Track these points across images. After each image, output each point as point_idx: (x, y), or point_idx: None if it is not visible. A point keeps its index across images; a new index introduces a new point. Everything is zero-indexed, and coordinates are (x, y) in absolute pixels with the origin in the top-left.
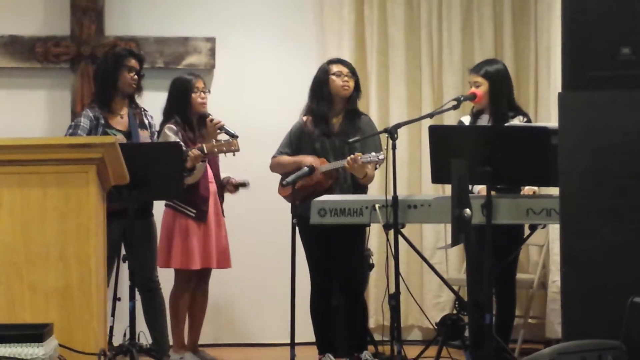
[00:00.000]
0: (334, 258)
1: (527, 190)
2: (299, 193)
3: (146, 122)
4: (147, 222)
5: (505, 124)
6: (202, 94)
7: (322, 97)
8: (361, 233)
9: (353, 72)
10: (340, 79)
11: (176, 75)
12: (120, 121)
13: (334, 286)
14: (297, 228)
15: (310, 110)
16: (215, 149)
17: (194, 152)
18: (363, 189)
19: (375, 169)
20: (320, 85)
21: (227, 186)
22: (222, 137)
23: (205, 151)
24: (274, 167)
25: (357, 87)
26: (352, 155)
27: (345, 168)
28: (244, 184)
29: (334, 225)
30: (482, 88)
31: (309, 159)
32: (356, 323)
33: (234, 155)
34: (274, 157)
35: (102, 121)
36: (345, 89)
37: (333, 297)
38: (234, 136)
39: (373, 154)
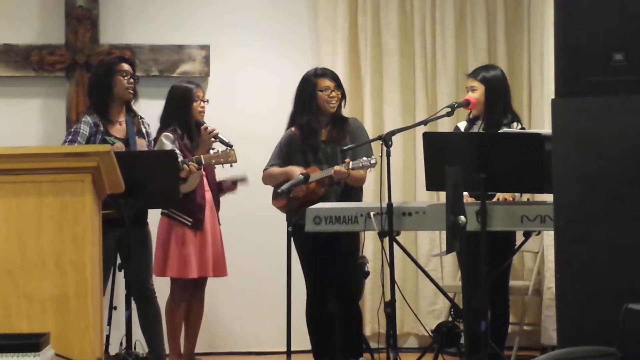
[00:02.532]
0: (329, 265)
1: (501, 196)
2: (293, 202)
3: (144, 130)
4: (142, 230)
5: (499, 131)
6: (201, 102)
7: (309, 111)
8: (355, 239)
9: (339, 84)
10: (326, 94)
11: (174, 84)
12: (119, 128)
13: (329, 293)
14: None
15: (298, 123)
16: (213, 160)
17: (191, 164)
18: (355, 191)
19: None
20: (307, 99)
21: (224, 184)
22: (217, 145)
23: (203, 162)
24: (266, 179)
25: (343, 95)
26: (336, 167)
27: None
28: (242, 179)
29: (328, 233)
30: (477, 93)
31: (297, 171)
32: (351, 329)
33: (231, 166)
34: (265, 169)
35: (102, 128)
36: (332, 105)
37: (328, 304)
38: (228, 145)
39: (364, 158)
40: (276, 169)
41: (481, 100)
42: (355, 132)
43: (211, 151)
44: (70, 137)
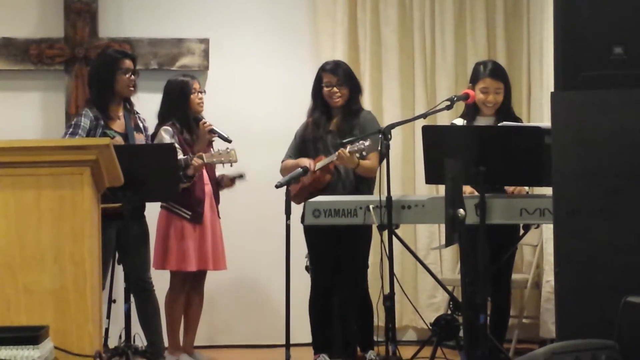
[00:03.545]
0: (339, 256)
1: (517, 190)
2: (301, 194)
3: (141, 125)
4: (140, 224)
5: (499, 124)
6: (199, 94)
7: (317, 104)
8: (367, 232)
9: (346, 79)
10: (327, 89)
11: (170, 78)
12: (118, 123)
13: (337, 285)
14: (291, 229)
15: (309, 115)
16: (214, 159)
17: (196, 161)
18: (367, 183)
19: (380, 159)
20: (315, 93)
21: (223, 181)
22: (216, 140)
23: (205, 161)
24: (282, 172)
25: (355, 89)
26: (339, 151)
27: (336, 163)
28: (240, 176)
29: (341, 225)
30: (502, 94)
31: (305, 161)
32: (361, 321)
33: (231, 165)
34: (282, 161)
35: (102, 122)
36: (334, 101)
37: (335, 295)
38: (227, 140)
39: (360, 142)
40: (290, 161)
41: (501, 100)
42: (364, 124)
43: (212, 149)
44: (71, 129)
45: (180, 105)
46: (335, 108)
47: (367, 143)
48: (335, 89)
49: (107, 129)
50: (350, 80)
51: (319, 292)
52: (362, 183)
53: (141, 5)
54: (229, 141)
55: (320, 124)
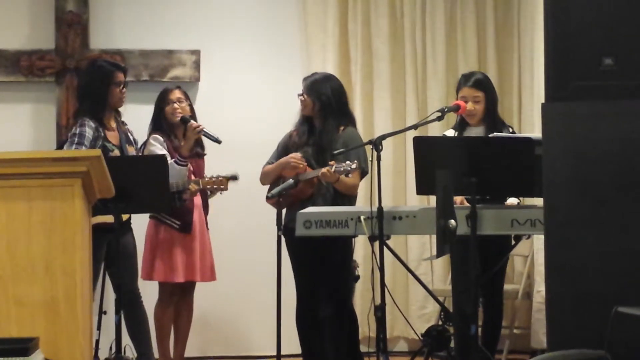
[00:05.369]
0: (320, 268)
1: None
2: (283, 202)
3: (131, 137)
4: (127, 235)
5: (490, 135)
6: (174, 105)
7: (301, 115)
8: (347, 242)
9: (309, 91)
10: (299, 98)
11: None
12: (113, 134)
13: (321, 298)
14: (282, 240)
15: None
16: (208, 186)
17: (193, 186)
18: (347, 199)
19: (361, 178)
20: None
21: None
22: (206, 142)
23: (201, 186)
24: (261, 179)
25: (322, 103)
26: (323, 169)
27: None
28: (234, 177)
29: (320, 236)
30: (481, 104)
31: (287, 157)
32: (345, 334)
33: (220, 193)
34: (263, 168)
35: (102, 133)
36: (302, 108)
37: (320, 308)
38: (216, 141)
39: (347, 162)
40: (269, 166)
41: (482, 109)
42: (347, 141)
43: (201, 149)
44: (76, 139)
45: (160, 114)
46: (316, 121)
47: (354, 166)
48: (302, 98)
49: (106, 141)
50: (315, 93)
51: (304, 304)
52: (340, 198)
53: (132, 17)
54: (219, 142)
55: (302, 134)
